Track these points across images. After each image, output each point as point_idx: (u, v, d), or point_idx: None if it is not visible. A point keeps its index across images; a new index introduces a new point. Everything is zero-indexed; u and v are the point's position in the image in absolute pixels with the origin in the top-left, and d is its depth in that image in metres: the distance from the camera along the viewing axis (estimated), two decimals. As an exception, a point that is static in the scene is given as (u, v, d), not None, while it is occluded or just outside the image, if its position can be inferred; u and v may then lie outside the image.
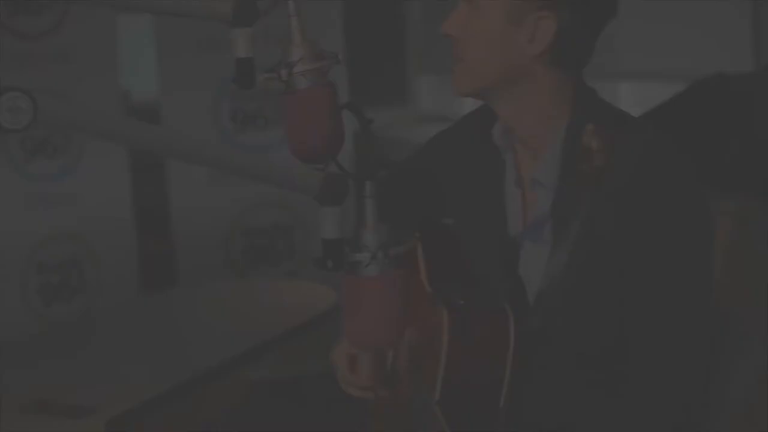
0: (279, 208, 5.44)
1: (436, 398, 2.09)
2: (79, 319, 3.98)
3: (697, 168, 2.09)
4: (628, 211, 1.99)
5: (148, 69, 6.09)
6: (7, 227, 4.99)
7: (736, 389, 2.23)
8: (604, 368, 2.09)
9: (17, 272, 5.06)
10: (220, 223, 5.49)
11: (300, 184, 1.69)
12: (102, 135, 1.55)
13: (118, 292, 5.35)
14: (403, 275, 1.78)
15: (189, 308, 3.76)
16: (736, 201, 2.55)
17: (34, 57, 5.07)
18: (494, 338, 2.11)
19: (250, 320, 3.44)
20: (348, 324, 1.79)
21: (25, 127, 1.38)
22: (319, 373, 2.44)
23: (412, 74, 7.46)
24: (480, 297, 2.18)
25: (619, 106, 2.17)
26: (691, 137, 3.54)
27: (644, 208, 2.00)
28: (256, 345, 3.13)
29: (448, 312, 2.11)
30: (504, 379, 2.10)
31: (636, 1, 4.99)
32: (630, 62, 5.18)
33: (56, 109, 1.44)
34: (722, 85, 3.61)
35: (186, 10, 1.75)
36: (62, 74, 5.14)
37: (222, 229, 5.50)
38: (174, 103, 5.42)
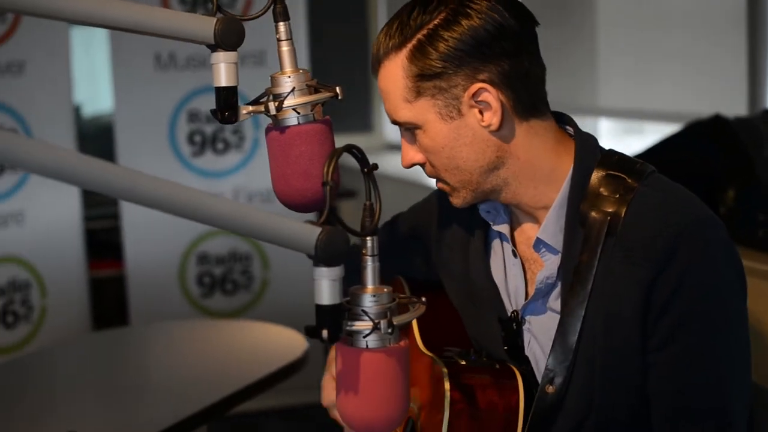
0: (237, 235, 5.18)
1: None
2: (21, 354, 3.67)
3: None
4: (650, 265, 1.75)
5: (103, 84, 5.85)
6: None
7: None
8: None
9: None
10: (174, 249, 5.25)
11: (291, 240, 1.42)
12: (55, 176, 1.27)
13: (65, 319, 5.12)
14: (407, 348, 1.52)
15: (146, 348, 3.47)
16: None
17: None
18: (502, 406, 1.86)
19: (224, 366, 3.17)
20: (342, 401, 1.53)
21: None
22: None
23: (377, 102, 7.30)
24: (481, 359, 1.94)
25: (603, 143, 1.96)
26: (687, 178, 3.34)
27: (676, 262, 1.75)
28: (222, 397, 2.85)
29: (449, 375, 1.87)
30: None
31: (626, 39, 4.86)
32: (613, 100, 5.04)
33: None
34: (721, 127, 3.44)
35: (161, 27, 1.48)
36: (13, 87, 4.90)
37: (176, 255, 5.26)
38: (128, 122, 5.17)
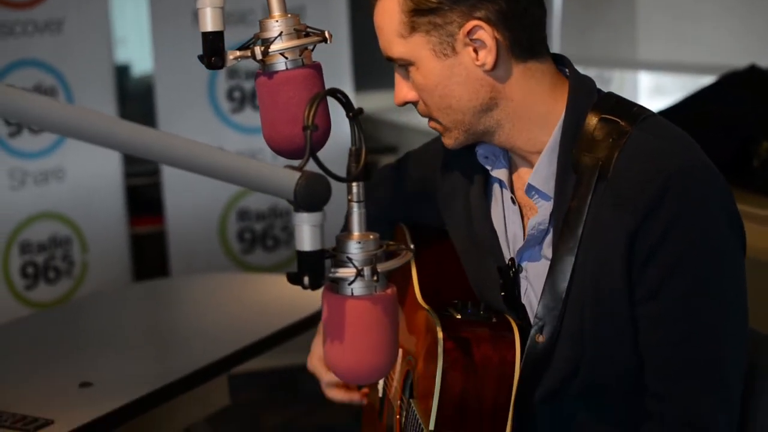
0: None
1: (431, 429, 1.82)
2: (60, 307, 3.71)
3: (724, 167, 1.80)
4: (637, 212, 1.71)
5: (143, 42, 5.86)
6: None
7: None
8: (618, 399, 1.83)
9: (-1, 252, 4.86)
10: (214, 205, 5.26)
11: (270, 185, 1.40)
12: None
13: (106, 275, 5.16)
14: (393, 296, 1.50)
15: (180, 299, 3.48)
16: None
17: (25, 27, 4.84)
18: (497, 359, 1.84)
19: (243, 316, 3.16)
20: (328, 349, 1.51)
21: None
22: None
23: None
24: (478, 312, 1.91)
25: (640, 98, 1.90)
26: (717, 130, 3.29)
27: (662, 210, 1.70)
28: (245, 345, 2.84)
29: (443, 329, 1.85)
30: (509, 407, 1.83)
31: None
32: (652, 53, 4.97)
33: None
34: (756, 78, 3.38)
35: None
36: (54, 45, 4.92)
37: (216, 210, 5.27)
38: (168, 79, 5.17)
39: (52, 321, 3.24)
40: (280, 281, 3.24)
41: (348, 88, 5.30)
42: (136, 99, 6.78)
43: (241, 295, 3.41)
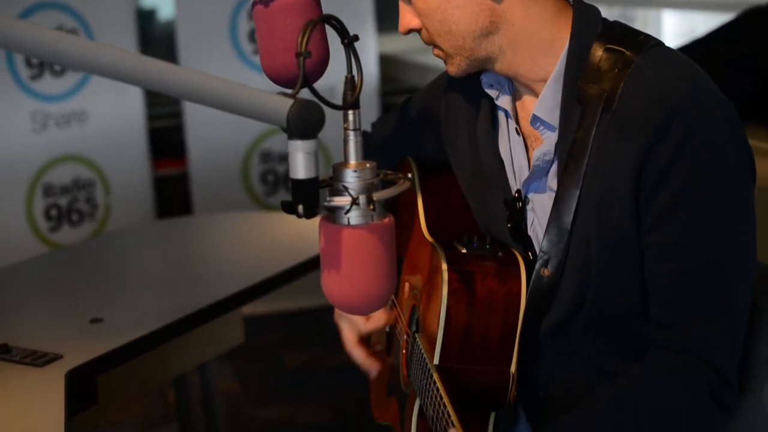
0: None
1: (435, 363, 1.81)
2: (79, 245, 3.71)
3: (737, 101, 1.76)
4: (643, 141, 1.68)
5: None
6: (12, 148, 4.80)
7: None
8: (624, 332, 1.81)
9: (22, 195, 4.86)
10: (237, 147, 5.26)
11: (263, 112, 1.38)
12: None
13: (129, 217, 5.18)
14: (391, 225, 1.48)
15: (200, 237, 3.46)
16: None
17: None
18: (503, 293, 1.82)
19: (262, 253, 3.14)
20: (325, 279, 1.50)
21: None
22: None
23: None
24: (484, 246, 1.90)
25: (665, 38, 1.85)
26: (737, 67, 3.24)
27: (667, 140, 1.67)
28: (260, 280, 2.83)
29: (447, 262, 1.83)
30: (514, 341, 1.81)
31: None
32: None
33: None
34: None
35: None
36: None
37: (239, 153, 5.26)
38: (190, 21, 5.15)
39: (68, 259, 3.23)
40: (301, 219, 3.22)
41: (371, 30, 5.27)
42: (160, 44, 6.77)
43: (263, 233, 3.39)
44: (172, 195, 5.50)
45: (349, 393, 4.26)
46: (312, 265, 2.94)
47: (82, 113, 5.03)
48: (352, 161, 1.47)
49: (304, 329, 5.09)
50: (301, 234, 3.17)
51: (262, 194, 5.34)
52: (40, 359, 2.25)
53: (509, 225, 1.88)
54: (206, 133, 5.21)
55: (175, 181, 5.45)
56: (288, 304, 5.10)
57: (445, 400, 1.70)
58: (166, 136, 5.48)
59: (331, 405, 4.35)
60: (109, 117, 5.12)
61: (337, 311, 2.16)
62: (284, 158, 5.31)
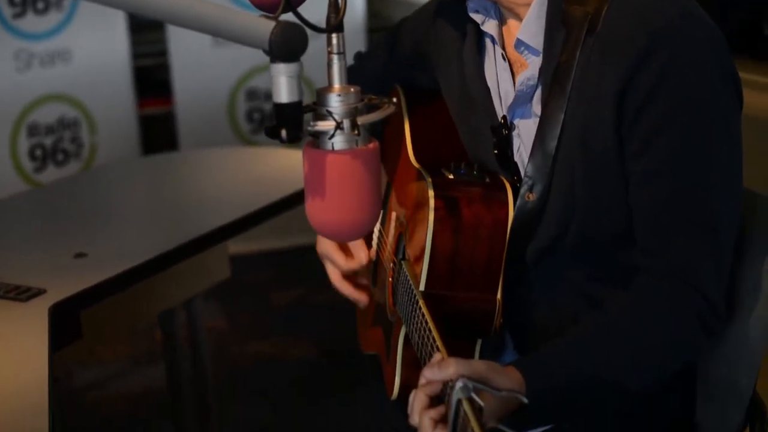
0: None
1: (421, 289, 1.80)
2: (63, 181, 3.68)
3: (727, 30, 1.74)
4: (626, 65, 1.66)
5: None
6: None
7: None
8: (610, 258, 1.80)
9: (6, 135, 4.83)
10: (222, 85, 5.21)
11: (245, 34, 1.36)
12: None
13: (115, 156, 5.15)
14: (376, 150, 1.47)
15: (186, 173, 3.44)
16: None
17: None
18: (489, 218, 1.81)
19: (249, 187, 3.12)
20: (309, 205, 1.48)
21: None
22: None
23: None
24: (472, 172, 1.88)
25: None
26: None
27: (651, 64, 1.65)
28: (246, 214, 2.81)
29: (434, 187, 1.81)
30: (501, 266, 1.80)
31: None
32: None
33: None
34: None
35: None
36: None
37: (225, 91, 5.22)
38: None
39: (53, 195, 3.22)
40: (290, 154, 3.21)
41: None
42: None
43: (249, 168, 3.36)
44: (158, 134, 5.45)
45: (337, 329, 4.25)
46: (298, 198, 2.91)
47: (66, 52, 4.98)
48: (336, 85, 1.45)
49: (292, 268, 5.07)
50: (287, 168, 3.15)
51: (248, 132, 5.31)
52: (23, 294, 2.24)
53: (496, 151, 1.86)
54: (191, 71, 5.16)
55: (161, 120, 5.41)
56: (275, 243, 5.08)
57: (431, 325, 1.69)
58: (151, 75, 5.44)
59: (318, 341, 4.35)
60: (93, 56, 5.06)
61: (319, 249, 2.15)
62: (270, 96, 5.25)
